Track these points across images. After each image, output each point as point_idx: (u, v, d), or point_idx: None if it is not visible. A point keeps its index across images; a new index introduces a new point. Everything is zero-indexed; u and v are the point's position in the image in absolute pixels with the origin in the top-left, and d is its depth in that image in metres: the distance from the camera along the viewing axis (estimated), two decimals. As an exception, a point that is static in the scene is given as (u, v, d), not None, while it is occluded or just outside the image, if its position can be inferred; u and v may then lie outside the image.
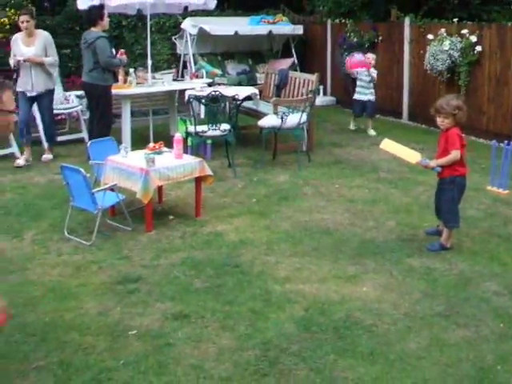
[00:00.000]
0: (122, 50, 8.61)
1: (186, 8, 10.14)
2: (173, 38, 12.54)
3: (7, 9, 10.64)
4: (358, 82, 10.44)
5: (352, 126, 10.64)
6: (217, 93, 8.02)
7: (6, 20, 10.66)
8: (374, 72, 10.25)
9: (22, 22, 8.17)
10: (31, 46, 8.22)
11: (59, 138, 9.42)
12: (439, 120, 5.13)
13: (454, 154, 5.09)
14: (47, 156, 8.70)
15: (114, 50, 8.44)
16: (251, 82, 12.02)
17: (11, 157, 8.68)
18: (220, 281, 4.78)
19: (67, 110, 10.24)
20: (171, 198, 6.78)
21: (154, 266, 5.06)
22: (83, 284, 4.75)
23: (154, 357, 3.77)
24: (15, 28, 10.82)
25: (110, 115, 8.43)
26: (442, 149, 5.21)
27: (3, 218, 6.30)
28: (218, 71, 11.69)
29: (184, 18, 12.05)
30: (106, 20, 8.22)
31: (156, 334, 4.03)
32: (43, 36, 8.32)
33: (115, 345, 3.91)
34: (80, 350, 3.85)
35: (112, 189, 5.80)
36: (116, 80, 8.55)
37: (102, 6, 8.34)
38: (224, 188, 7.13)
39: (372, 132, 10.21)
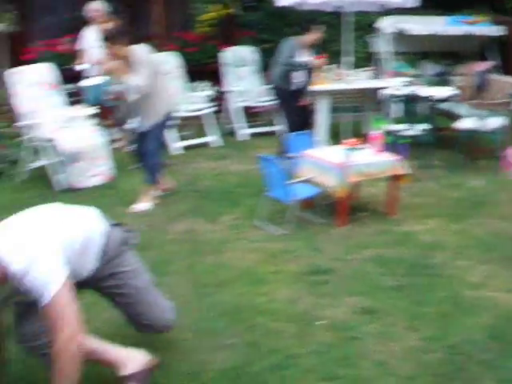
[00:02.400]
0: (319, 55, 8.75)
1: (384, 6, 10.04)
2: (368, 36, 12.46)
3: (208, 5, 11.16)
4: None
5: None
6: (414, 92, 7.92)
7: (211, 15, 11.17)
8: None
9: None
10: None
11: (255, 130, 9.80)
12: None
13: None
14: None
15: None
16: (447, 83, 11.66)
17: (208, 145, 9.26)
18: (410, 280, 4.73)
19: (263, 103, 10.61)
20: (364, 194, 6.77)
21: (345, 260, 5.10)
22: (275, 271, 4.90)
23: (339, 348, 3.81)
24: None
25: (294, 114, 8.45)
26: None
27: (201, 203, 6.64)
28: (414, 71, 11.47)
29: (380, 17, 11.95)
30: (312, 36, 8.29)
31: (343, 326, 4.07)
32: None
33: (303, 332, 3.99)
34: (269, 333, 3.98)
35: (307, 181, 5.91)
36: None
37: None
38: (417, 188, 7.01)
39: None
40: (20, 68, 8.40)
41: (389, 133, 7.69)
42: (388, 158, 6.09)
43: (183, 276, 4.86)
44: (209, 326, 4.10)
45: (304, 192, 5.85)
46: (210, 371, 3.59)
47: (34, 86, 8.15)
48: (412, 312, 4.25)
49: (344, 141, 6.35)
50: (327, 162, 5.89)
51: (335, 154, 5.99)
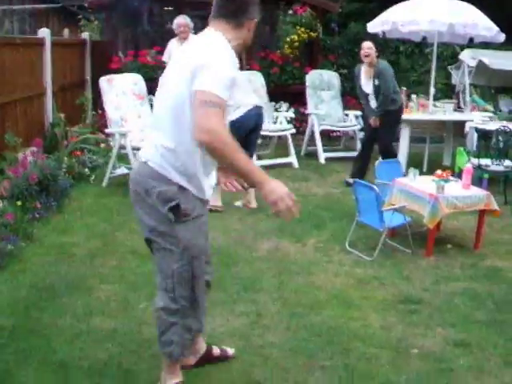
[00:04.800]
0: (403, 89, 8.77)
1: (471, 39, 9.98)
2: (449, 67, 12.37)
3: (297, 27, 11.26)
4: None
5: None
6: (505, 128, 7.84)
7: (295, 37, 11.28)
8: None
9: None
10: None
11: (333, 154, 9.88)
12: None
13: None
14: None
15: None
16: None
17: (289, 165, 9.26)
18: (502, 317, 4.66)
19: (344, 128, 10.67)
20: (449, 227, 6.73)
21: (434, 291, 5.07)
22: (366, 297, 4.90)
23: (435, 379, 3.79)
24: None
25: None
26: None
27: (286, 223, 6.66)
28: (490, 107, 11.33)
29: (462, 49, 11.86)
30: None
31: (437, 357, 4.04)
32: None
33: (397, 360, 3.98)
34: (363, 358, 3.98)
35: (398, 210, 5.91)
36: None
37: None
38: (500, 224, 6.92)
39: None
40: (112, 76, 8.65)
41: (475, 166, 7.62)
42: (478, 192, 6.06)
43: (273, 294, 4.90)
44: (302, 346, 4.12)
45: (396, 220, 5.85)
46: (307, 391, 3.61)
47: (123, 94, 8.38)
48: (506, 348, 4.19)
49: (436, 172, 6.31)
50: (421, 191, 5.89)
51: (427, 184, 5.98)
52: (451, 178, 6.30)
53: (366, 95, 8.29)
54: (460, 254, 5.95)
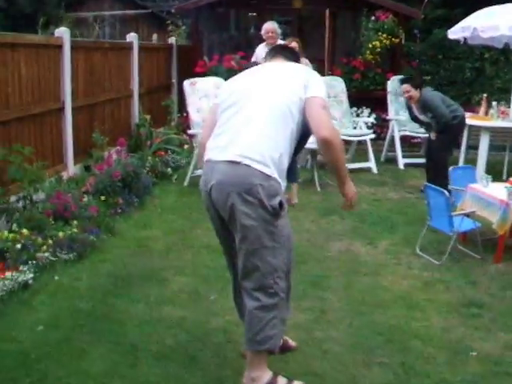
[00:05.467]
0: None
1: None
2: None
3: (379, 33, 11.30)
4: None
5: None
6: None
7: (377, 43, 11.34)
8: None
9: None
10: None
11: (412, 161, 9.88)
12: None
13: None
14: None
15: None
16: None
17: (367, 170, 9.35)
18: None
19: (424, 135, 10.62)
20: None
21: (499, 297, 5.08)
22: (430, 299, 4.97)
23: (490, 381, 3.83)
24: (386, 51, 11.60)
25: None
26: None
27: (359, 225, 6.83)
28: None
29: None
30: None
31: (496, 360, 4.07)
32: None
33: (455, 361, 4.04)
34: (421, 357, 4.06)
35: (468, 215, 5.94)
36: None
37: None
38: None
39: None
40: (195, 79, 8.98)
41: None
42: None
43: (339, 293, 5.04)
44: (362, 342, 4.24)
45: (465, 225, 5.88)
46: (362, 385, 3.73)
47: (205, 97, 8.70)
48: None
49: (510, 179, 6.30)
50: (492, 197, 5.89)
51: (499, 190, 5.98)
52: (526, 185, 6.25)
53: (428, 123, 8.28)
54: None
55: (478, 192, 6.10)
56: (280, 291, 3.46)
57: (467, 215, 5.96)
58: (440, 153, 7.99)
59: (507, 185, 6.09)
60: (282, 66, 3.73)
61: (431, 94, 8.08)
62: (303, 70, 3.69)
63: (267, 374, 3.55)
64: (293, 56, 3.90)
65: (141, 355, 3.95)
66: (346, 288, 5.16)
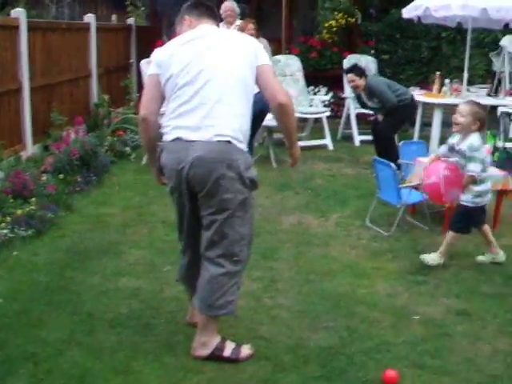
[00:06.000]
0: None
1: (506, 25, 10.00)
2: (490, 54, 12.39)
3: (336, 12, 11.49)
4: None
5: None
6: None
7: (333, 23, 11.53)
8: None
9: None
10: None
11: (368, 137, 10.12)
12: None
13: None
14: None
15: None
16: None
17: (324, 147, 9.65)
18: (507, 290, 4.87)
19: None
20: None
21: (444, 265, 5.28)
22: (377, 268, 5.19)
23: (431, 342, 4.04)
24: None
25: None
26: None
27: (313, 200, 7.04)
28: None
29: (504, 35, 11.87)
30: None
31: (437, 323, 4.30)
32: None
33: (398, 324, 4.26)
34: (366, 321, 4.28)
35: (417, 188, 6.16)
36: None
37: None
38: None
39: None
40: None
41: (500, 149, 7.80)
42: (496, 172, 6.24)
43: (291, 263, 5.25)
44: (310, 308, 4.44)
45: (413, 198, 6.10)
46: (309, 348, 3.92)
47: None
48: (504, 318, 4.41)
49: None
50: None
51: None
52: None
53: (375, 108, 8.53)
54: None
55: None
56: (243, 259, 3.67)
57: (415, 188, 6.17)
58: (385, 133, 8.26)
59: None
60: (227, 34, 3.81)
61: (376, 81, 8.34)
62: (248, 39, 3.78)
63: (217, 337, 3.74)
64: (215, 16, 3.89)
65: (97, 323, 4.10)
66: (296, 258, 5.36)
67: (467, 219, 5.28)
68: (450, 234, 5.28)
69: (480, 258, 5.47)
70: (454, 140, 5.28)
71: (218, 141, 3.43)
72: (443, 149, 5.46)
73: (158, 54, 3.71)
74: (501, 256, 5.46)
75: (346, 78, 8.46)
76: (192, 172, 3.46)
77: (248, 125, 3.62)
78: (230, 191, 3.47)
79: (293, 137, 3.83)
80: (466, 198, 5.18)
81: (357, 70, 8.33)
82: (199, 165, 3.43)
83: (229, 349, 3.74)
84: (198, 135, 3.45)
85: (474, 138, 5.11)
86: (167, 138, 3.58)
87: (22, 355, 3.70)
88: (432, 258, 5.21)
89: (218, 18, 3.94)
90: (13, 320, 4.13)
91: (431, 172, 5.22)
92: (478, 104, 5.29)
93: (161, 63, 3.62)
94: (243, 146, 3.52)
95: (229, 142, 3.44)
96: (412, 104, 8.48)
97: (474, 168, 5.06)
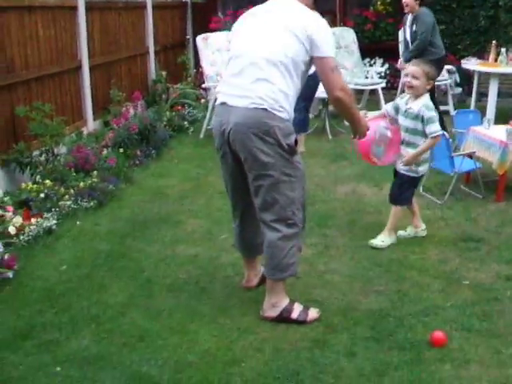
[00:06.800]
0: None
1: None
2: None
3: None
4: None
5: None
6: None
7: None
8: None
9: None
10: None
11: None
12: None
13: None
14: None
15: None
16: None
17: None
18: None
19: (437, 83, 10.75)
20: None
21: (497, 232, 5.34)
22: (430, 235, 5.25)
23: (480, 306, 4.10)
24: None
25: None
26: None
27: (367, 170, 7.01)
28: None
29: None
30: None
31: (487, 288, 4.35)
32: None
33: (448, 289, 4.34)
34: (416, 286, 4.37)
35: (470, 156, 6.18)
36: None
37: None
38: None
39: None
40: (208, 34, 9.22)
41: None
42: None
43: (343, 230, 5.36)
44: (361, 273, 4.56)
45: (466, 166, 6.12)
46: (360, 310, 4.04)
47: (217, 51, 8.97)
48: (555, 284, 4.45)
49: (511, 121, 6.49)
50: (492, 139, 6.11)
51: (500, 132, 6.19)
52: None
53: (406, 42, 8.50)
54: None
55: (479, 134, 6.32)
56: (298, 222, 3.81)
57: (469, 156, 6.19)
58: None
59: (508, 127, 6.30)
60: (291, 14, 3.76)
61: (428, 14, 8.28)
62: (312, 22, 3.70)
63: (286, 300, 3.92)
64: None
65: (155, 288, 4.31)
66: (350, 226, 5.47)
67: (412, 190, 5.16)
68: (397, 209, 5.12)
69: (401, 232, 5.27)
70: (402, 101, 5.09)
71: (255, 108, 3.59)
72: (390, 108, 5.19)
73: (231, 33, 4.06)
74: (422, 230, 5.29)
75: None
76: (232, 136, 3.67)
77: (292, 101, 3.73)
78: (270, 155, 3.62)
79: (353, 122, 4.03)
80: (410, 168, 5.00)
81: None
82: (238, 130, 3.63)
83: (297, 311, 3.90)
84: (240, 102, 3.65)
85: (427, 98, 4.94)
86: (217, 101, 3.86)
87: (86, 317, 3.94)
88: (381, 239, 5.06)
89: None
90: (76, 285, 4.37)
91: (370, 124, 4.60)
92: (428, 63, 5.10)
93: (233, 31, 4.01)
94: (283, 115, 3.64)
95: (265, 109, 3.59)
96: (441, 61, 8.36)
97: (436, 128, 4.89)
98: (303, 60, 3.68)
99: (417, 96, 4.95)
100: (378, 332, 3.77)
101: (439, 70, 8.61)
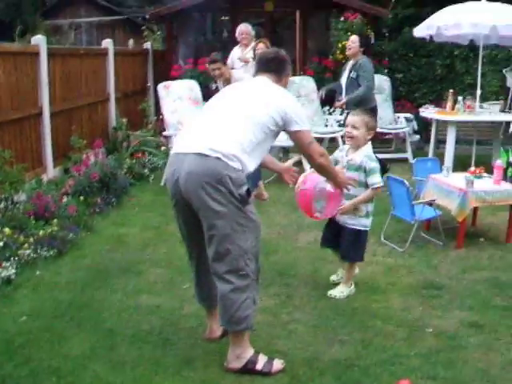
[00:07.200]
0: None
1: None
2: (503, 70, 12.47)
3: (349, 33, 11.61)
4: None
5: None
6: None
7: (346, 43, 11.58)
8: None
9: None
10: None
11: (383, 156, 10.18)
12: None
13: None
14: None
15: None
16: None
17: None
18: (520, 303, 4.96)
19: (394, 131, 11.00)
20: (485, 222, 7.01)
21: (458, 279, 5.39)
22: (392, 283, 5.28)
23: (444, 353, 4.12)
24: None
25: None
26: None
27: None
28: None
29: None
30: None
31: (450, 335, 4.37)
32: None
33: (412, 337, 4.34)
34: (380, 334, 4.36)
35: (430, 204, 6.27)
36: None
37: None
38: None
39: None
40: (169, 82, 9.28)
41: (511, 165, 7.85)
42: (508, 187, 6.34)
43: (307, 279, 5.35)
44: (325, 323, 4.54)
45: (427, 214, 6.20)
46: (324, 360, 4.01)
47: (179, 99, 9.00)
48: (517, 330, 4.50)
49: (469, 169, 6.63)
50: (452, 186, 6.22)
51: (459, 180, 6.30)
52: (485, 174, 6.58)
53: (340, 88, 8.80)
54: (491, 247, 6.24)
55: (438, 181, 6.43)
56: (251, 273, 3.76)
57: (429, 204, 6.28)
58: None
59: (467, 174, 6.42)
60: (267, 88, 3.96)
61: (370, 62, 8.73)
62: (280, 96, 3.92)
63: (250, 351, 3.88)
64: (278, 66, 4.11)
65: (118, 339, 4.23)
66: (312, 274, 5.47)
67: (365, 245, 5.09)
68: (350, 265, 5.07)
69: (333, 277, 5.31)
70: (341, 153, 5.04)
71: (208, 156, 3.61)
72: None
73: None
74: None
75: (350, 38, 8.92)
76: (185, 185, 3.68)
77: (251, 156, 3.75)
78: (223, 204, 3.62)
79: (334, 179, 4.41)
80: (358, 222, 4.94)
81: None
82: (190, 178, 3.64)
83: (261, 362, 3.85)
84: (192, 148, 3.69)
85: (369, 149, 4.91)
86: (171, 151, 3.93)
87: (46, 370, 3.84)
88: (340, 290, 5.03)
89: (281, 66, 4.13)
90: (36, 336, 4.26)
91: (309, 179, 4.70)
92: (368, 113, 5.09)
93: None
94: (236, 165, 3.65)
95: (218, 158, 3.61)
96: (375, 110, 8.70)
97: (378, 179, 4.86)
98: (269, 126, 3.78)
99: (357, 146, 4.89)
100: (343, 382, 3.76)
101: (376, 118, 8.84)
